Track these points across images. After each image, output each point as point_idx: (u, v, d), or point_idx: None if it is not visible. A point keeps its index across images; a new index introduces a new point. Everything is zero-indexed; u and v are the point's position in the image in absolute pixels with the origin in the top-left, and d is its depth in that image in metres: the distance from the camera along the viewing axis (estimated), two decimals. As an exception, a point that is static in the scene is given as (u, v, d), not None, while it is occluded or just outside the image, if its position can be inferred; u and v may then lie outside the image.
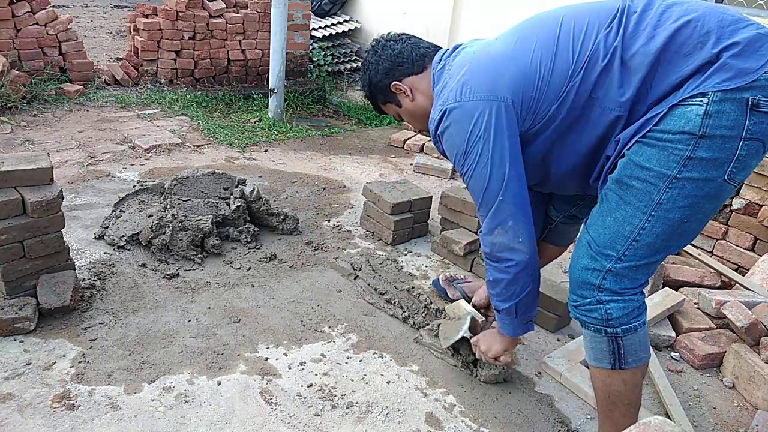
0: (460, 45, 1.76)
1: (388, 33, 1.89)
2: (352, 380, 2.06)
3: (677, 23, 1.41)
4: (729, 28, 1.39)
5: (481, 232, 1.70)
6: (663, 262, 2.81)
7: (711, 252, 3.18)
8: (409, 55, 1.79)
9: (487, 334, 1.97)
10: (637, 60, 1.43)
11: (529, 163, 1.64)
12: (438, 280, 2.62)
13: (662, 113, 1.41)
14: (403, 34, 1.87)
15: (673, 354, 2.36)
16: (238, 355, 2.11)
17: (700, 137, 1.36)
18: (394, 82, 1.81)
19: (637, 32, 1.44)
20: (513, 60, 1.54)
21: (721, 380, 2.25)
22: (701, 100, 1.35)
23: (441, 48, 1.83)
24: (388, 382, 2.06)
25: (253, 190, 2.92)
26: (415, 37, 1.86)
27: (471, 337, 2.05)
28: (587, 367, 2.14)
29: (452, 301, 2.55)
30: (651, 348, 2.29)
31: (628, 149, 1.47)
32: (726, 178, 1.40)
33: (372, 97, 1.91)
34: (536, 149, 1.62)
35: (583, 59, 1.48)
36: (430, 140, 4.57)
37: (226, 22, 5.42)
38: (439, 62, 1.74)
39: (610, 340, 1.54)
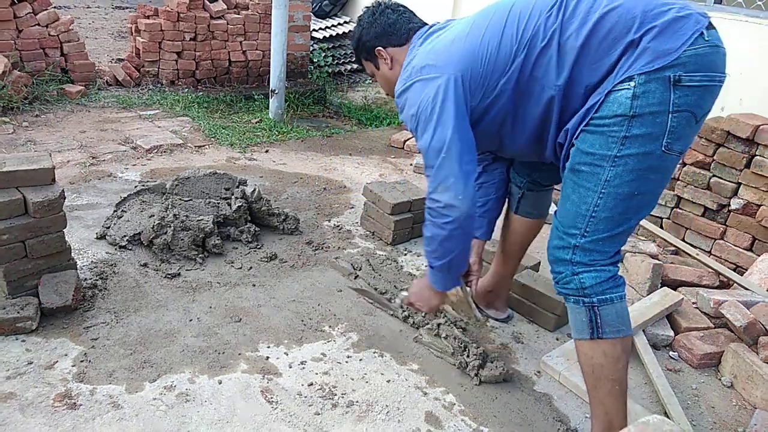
0: (436, 25, 1.94)
1: (390, 1, 2.04)
2: (353, 379, 2.07)
3: (605, 9, 1.55)
4: (652, 12, 1.52)
5: (427, 188, 1.80)
6: (662, 262, 2.82)
7: (709, 252, 3.19)
8: (400, 28, 1.95)
9: (420, 289, 2.01)
10: (570, 43, 1.58)
11: (488, 133, 1.82)
12: None
13: (600, 101, 1.56)
14: (401, 5, 2.01)
15: (671, 353, 2.37)
16: (239, 354, 2.12)
17: (632, 117, 1.52)
18: (379, 47, 1.96)
19: (573, 17, 1.59)
20: (465, 41, 1.73)
21: (720, 379, 2.25)
22: (629, 84, 1.51)
23: (427, 25, 1.98)
24: (388, 381, 2.07)
25: (254, 190, 2.93)
26: (410, 11, 2.02)
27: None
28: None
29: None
30: (650, 348, 2.31)
31: (576, 138, 1.63)
32: (664, 149, 1.54)
33: (356, 51, 2.07)
34: (492, 120, 1.78)
35: (525, 40, 1.63)
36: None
37: (227, 24, 5.43)
38: (419, 39, 1.90)
39: (588, 310, 1.66)
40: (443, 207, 1.72)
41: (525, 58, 1.64)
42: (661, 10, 1.52)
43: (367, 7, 2.03)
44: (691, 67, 1.48)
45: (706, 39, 1.49)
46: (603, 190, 1.59)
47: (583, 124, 1.60)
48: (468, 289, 2.18)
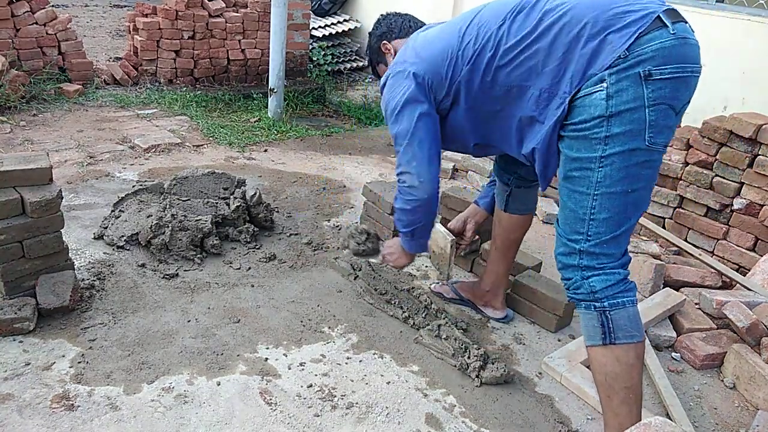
0: (431, 25, 2.06)
1: (395, 11, 2.25)
2: (352, 381, 2.05)
3: (556, 14, 1.62)
4: (604, 16, 1.56)
5: (396, 168, 1.99)
6: (664, 263, 2.81)
7: (712, 252, 3.17)
8: (401, 25, 2.16)
9: (393, 245, 2.25)
10: (513, 52, 1.69)
11: (458, 129, 1.95)
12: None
13: (565, 108, 1.62)
14: (407, 13, 2.22)
15: (673, 354, 2.36)
16: (238, 355, 2.10)
17: (609, 117, 1.55)
18: (384, 41, 2.16)
19: (523, 26, 1.67)
20: (437, 41, 1.87)
21: (722, 380, 2.24)
22: (601, 86, 1.55)
23: (425, 24, 2.16)
24: (388, 383, 2.06)
25: (255, 194, 2.90)
26: (415, 17, 2.21)
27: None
28: (588, 368, 2.14)
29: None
30: (652, 349, 2.30)
31: (560, 143, 1.69)
32: (648, 144, 1.56)
33: (371, 60, 2.27)
34: (458, 117, 1.91)
35: (478, 47, 1.75)
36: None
37: (226, 22, 5.41)
38: (416, 34, 2.02)
39: (599, 315, 1.66)
40: (408, 187, 1.93)
41: (474, 64, 1.76)
42: (614, 13, 1.56)
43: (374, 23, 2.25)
44: (660, 60, 1.51)
45: (672, 32, 1.52)
46: (596, 192, 1.62)
47: (560, 129, 1.66)
48: (455, 248, 2.34)
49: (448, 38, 1.83)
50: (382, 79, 2.00)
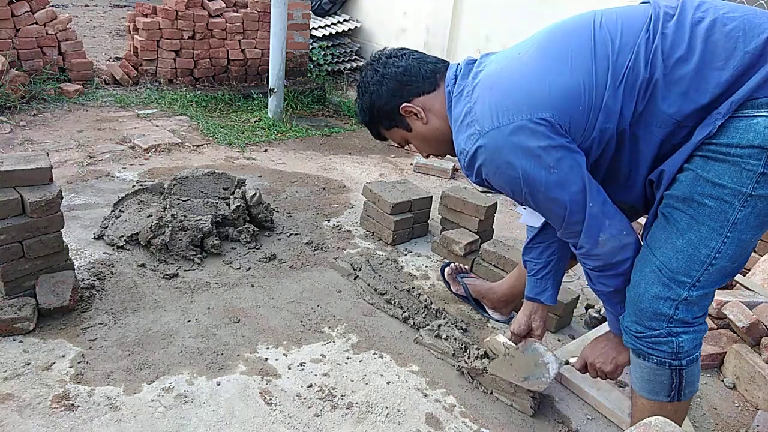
0: (474, 61, 1.60)
1: (386, 49, 1.70)
2: (352, 381, 2.05)
3: (717, 14, 1.34)
4: None
5: (578, 251, 1.52)
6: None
7: (711, 252, 3.17)
8: (418, 72, 1.60)
9: (597, 346, 1.77)
10: (679, 71, 1.33)
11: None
12: (444, 267, 2.62)
13: (719, 125, 1.31)
14: (404, 48, 1.68)
15: (673, 354, 2.36)
16: (238, 355, 2.11)
17: None
18: (404, 104, 1.61)
19: (675, 40, 1.34)
20: (549, 74, 1.40)
21: (722, 380, 2.24)
22: (766, 112, 1.27)
23: (449, 63, 1.66)
24: (388, 383, 2.06)
25: (255, 194, 2.91)
26: (417, 51, 1.68)
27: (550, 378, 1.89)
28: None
29: (454, 293, 2.56)
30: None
31: (688, 163, 1.37)
32: None
33: (373, 123, 1.72)
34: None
35: (620, 72, 1.36)
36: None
37: (226, 22, 5.41)
38: (454, 80, 1.58)
39: (674, 373, 1.45)
40: (616, 253, 1.48)
41: (624, 92, 1.36)
42: None
43: (362, 67, 1.70)
44: None
45: None
46: (729, 234, 1.34)
47: (695, 149, 1.35)
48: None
49: (568, 64, 1.39)
50: (469, 148, 1.46)
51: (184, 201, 2.80)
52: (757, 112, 1.28)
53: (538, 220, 1.80)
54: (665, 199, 1.42)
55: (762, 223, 1.35)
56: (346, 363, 2.14)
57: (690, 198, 1.36)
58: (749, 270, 2.91)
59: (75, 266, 2.36)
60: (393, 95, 1.62)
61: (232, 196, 2.90)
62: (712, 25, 1.33)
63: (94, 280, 2.41)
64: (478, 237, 2.86)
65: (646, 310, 1.44)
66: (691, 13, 1.36)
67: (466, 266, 2.73)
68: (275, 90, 4.85)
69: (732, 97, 1.30)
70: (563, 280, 2.67)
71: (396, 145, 1.77)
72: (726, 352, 2.28)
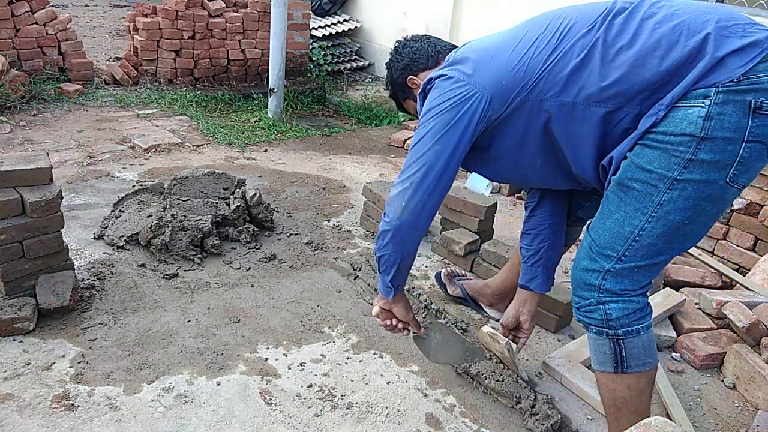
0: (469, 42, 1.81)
1: (411, 35, 1.99)
2: (352, 381, 2.05)
3: (666, 13, 1.45)
4: (729, 25, 1.39)
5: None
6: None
7: (712, 252, 3.17)
8: (425, 52, 1.88)
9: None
10: (620, 57, 1.44)
11: (504, 155, 1.69)
12: (440, 274, 2.62)
13: (662, 114, 1.41)
14: (424, 34, 1.97)
15: (673, 354, 2.36)
16: (238, 355, 2.10)
17: (701, 139, 1.36)
18: (410, 77, 1.89)
19: (620, 31, 1.46)
20: (500, 49, 1.60)
21: (722, 381, 2.24)
22: (702, 102, 1.35)
23: (457, 47, 1.86)
24: (388, 383, 2.06)
25: (255, 194, 2.91)
26: (435, 37, 1.95)
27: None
28: (588, 368, 2.14)
29: (451, 296, 2.56)
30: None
31: (630, 151, 1.47)
32: (728, 180, 1.39)
33: (394, 95, 2.01)
34: (511, 139, 1.64)
35: (559, 52, 1.51)
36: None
37: (226, 22, 5.41)
38: (452, 55, 1.77)
39: (612, 343, 1.55)
40: (391, 206, 1.68)
41: (553, 71, 1.51)
42: (736, 24, 1.39)
43: (390, 51, 1.99)
44: None
45: None
46: (653, 214, 1.45)
47: (638, 137, 1.46)
48: (515, 348, 1.97)
49: (515, 43, 1.58)
50: (427, 80, 1.71)
51: (184, 201, 2.80)
52: (694, 102, 1.37)
53: (482, 187, 1.92)
54: (609, 183, 1.55)
55: (694, 205, 1.43)
56: (346, 363, 2.13)
57: (621, 182, 1.50)
58: (749, 270, 2.92)
59: (75, 266, 2.36)
60: (404, 70, 1.90)
61: (232, 196, 2.90)
62: (662, 19, 1.44)
63: (94, 280, 2.41)
64: (478, 237, 2.86)
65: (579, 281, 1.59)
66: (644, 9, 1.48)
67: (462, 270, 2.73)
68: (275, 90, 4.85)
69: (673, 90, 1.39)
70: (563, 279, 2.68)
71: (413, 115, 1.97)
72: (726, 352, 2.28)
